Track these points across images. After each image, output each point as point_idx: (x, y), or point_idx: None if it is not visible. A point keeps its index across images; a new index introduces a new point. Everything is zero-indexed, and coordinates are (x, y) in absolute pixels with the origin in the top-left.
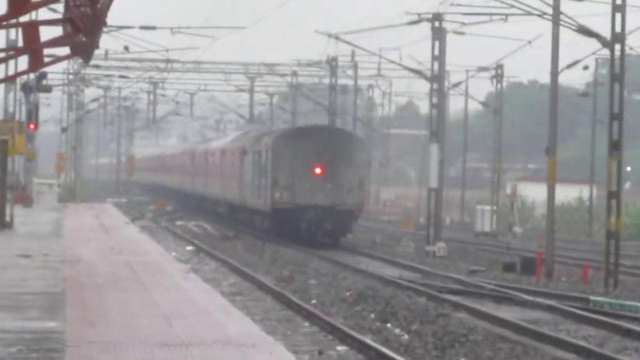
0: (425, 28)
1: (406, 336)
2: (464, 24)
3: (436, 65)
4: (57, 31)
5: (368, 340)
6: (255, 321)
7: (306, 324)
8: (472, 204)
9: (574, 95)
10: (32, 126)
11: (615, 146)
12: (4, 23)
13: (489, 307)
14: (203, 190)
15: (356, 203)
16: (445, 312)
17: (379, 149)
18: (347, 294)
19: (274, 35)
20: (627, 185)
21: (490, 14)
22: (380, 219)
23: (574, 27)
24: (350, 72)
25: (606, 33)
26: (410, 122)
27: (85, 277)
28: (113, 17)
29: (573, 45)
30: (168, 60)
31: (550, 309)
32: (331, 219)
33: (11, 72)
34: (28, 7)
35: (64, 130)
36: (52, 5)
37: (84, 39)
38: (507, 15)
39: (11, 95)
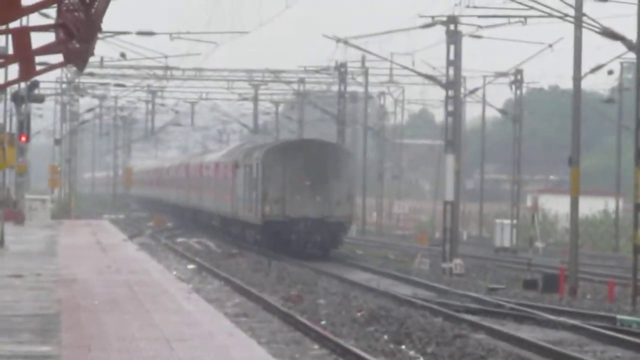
0: (440, 31)
1: (422, 359)
2: (480, 27)
3: (451, 71)
4: (49, 37)
5: None
6: (261, 344)
7: (315, 346)
8: (491, 217)
9: (598, 102)
10: (23, 138)
11: None
12: None
13: (509, 327)
14: (198, 204)
15: (345, 215)
16: (463, 333)
17: (391, 160)
18: (359, 314)
19: (280, 40)
20: None
21: (509, 16)
22: (393, 234)
23: (597, 30)
24: (360, 78)
25: (632, 35)
26: (424, 132)
27: (81, 298)
28: (108, 22)
29: (597, 49)
30: (167, 68)
31: (574, 328)
32: (321, 231)
33: (1, 81)
34: (18, 12)
35: (57, 142)
36: (44, 10)
37: (77, 45)
38: (526, 17)
39: (1, 105)
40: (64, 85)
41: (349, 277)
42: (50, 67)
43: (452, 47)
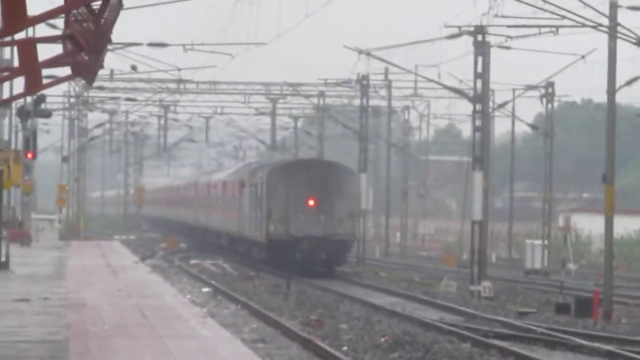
0: (467, 42)
1: None
2: (509, 37)
3: (479, 84)
4: (56, 49)
5: None
6: None
7: None
8: (521, 238)
9: (633, 116)
10: (29, 155)
11: None
12: None
13: (540, 354)
14: (206, 223)
15: (349, 233)
16: None
17: (416, 178)
18: (382, 339)
19: (299, 52)
20: None
21: (539, 26)
22: (419, 256)
23: (632, 40)
24: (383, 92)
25: None
26: (451, 148)
27: (91, 323)
28: (119, 33)
29: (632, 60)
30: (180, 81)
31: (609, 355)
32: (325, 249)
33: (6, 95)
34: (25, 23)
35: (65, 159)
36: (51, 21)
37: (86, 57)
38: (557, 27)
39: (6, 121)
40: (72, 100)
41: (372, 301)
42: (58, 81)
43: (479, 59)
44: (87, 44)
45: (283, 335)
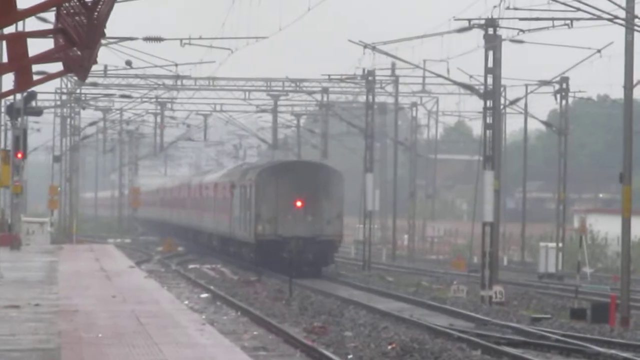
0: (478, 36)
1: None
2: (522, 30)
3: (490, 79)
4: (47, 44)
5: None
6: None
7: None
8: (534, 240)
9: None
10: (19, 155)
11: None
12: None
13: None
14: (198, 224)
15: (336, 234)
16: None
17: (424, 178)
18: (390, 347)
19: (301, 46)
20: None
21: (553, 19)
22: (427, 259)
23: None
24: (390, 88)
25: None
26: (461, 146)
27: (84, 331)
28: (113, 27)
29: None
30: (177, 77)
31: None
32: (312, 250)
33: None
34: (13, 17)
35: (57, 159)
36: (42, 15)
37: (79, 53)
38: (572, 20)
39: None
40: (64, 97)
41: (379, 307)
42: (49, 77)
43: (490, 53)
44: (80, 38)
45: (286, 343)
